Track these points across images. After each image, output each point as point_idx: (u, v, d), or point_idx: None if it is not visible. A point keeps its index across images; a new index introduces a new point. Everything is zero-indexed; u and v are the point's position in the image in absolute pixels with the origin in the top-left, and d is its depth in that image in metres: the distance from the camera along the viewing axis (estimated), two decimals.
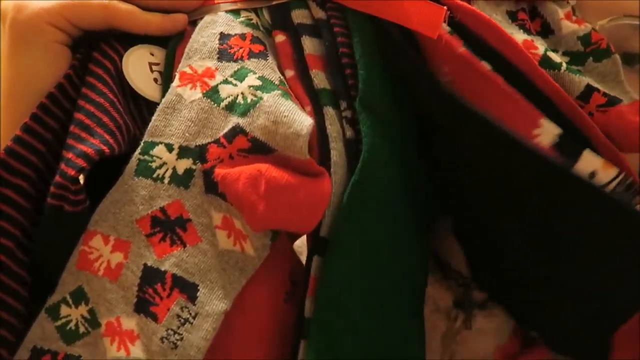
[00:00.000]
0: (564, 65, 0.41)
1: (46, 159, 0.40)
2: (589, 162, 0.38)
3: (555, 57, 0.41)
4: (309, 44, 0.41)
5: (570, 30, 0.43)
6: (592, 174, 0.38)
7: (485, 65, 0.39)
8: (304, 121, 0.37)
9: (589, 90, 0.41)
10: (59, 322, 0.37)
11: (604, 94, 0.41)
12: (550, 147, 0.38)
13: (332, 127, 0.40)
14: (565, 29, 0.43)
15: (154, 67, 0.43)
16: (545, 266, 0.41)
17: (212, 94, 0.40)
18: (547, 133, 0.38)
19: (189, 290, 0.37)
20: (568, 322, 0.43)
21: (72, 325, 0.37)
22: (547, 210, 0.39)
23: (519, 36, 0.42)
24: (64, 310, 0.38)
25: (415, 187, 0.42)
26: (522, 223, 0.41)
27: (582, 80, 0.41)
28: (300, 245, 0.45)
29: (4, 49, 0.42)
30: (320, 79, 0.41)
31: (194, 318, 0.36)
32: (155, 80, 0.43)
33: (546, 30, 0.43)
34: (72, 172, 0.37)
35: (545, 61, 0.41)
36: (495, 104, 0.38)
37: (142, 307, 0.37)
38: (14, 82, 0.41)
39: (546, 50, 0.41)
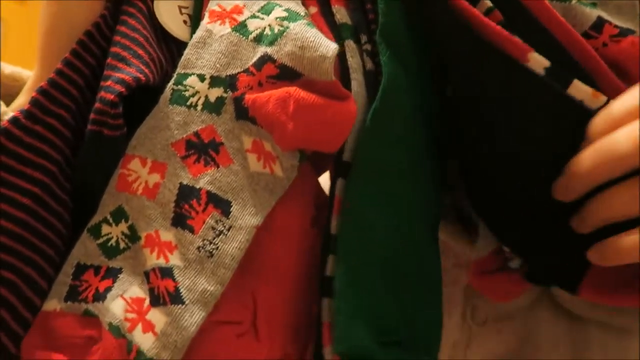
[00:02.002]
0: None
1: (84, 93, 0.42)
2: (577, 91, 0.38)
3: None
4: None
5: None
6: (581, 102, 0.39)
7: (486, 4, 0.40)
8: (329, 45, 0.39)
9: (601, 22, 0.42)
10: (100, 240, 0.40)
11: (616, 26, 0.42)
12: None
13: (353, 60, 0.42)
14: None
15: (183, 10, 0.46)
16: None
17: (240, 28, 0.42)
18: (535, 66, 0.39)
19: (222, 205, 0.39)
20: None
21: (112, 242, 0.39)
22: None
23: None
24: (105, 228, 0.40)
25: (431, 120, 0.44)
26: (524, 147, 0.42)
27: (593, 12, 0.42)
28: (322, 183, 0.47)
29: None
30: (342, 14, 0.43)
31: (228, 230, 0.38)
32: (185, 22, 0.46)
33: None
34: (110, 97, 0.39)
35: None
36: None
37: (179, 220, 0.39)
38: (51, 21, 0.44)
39: None
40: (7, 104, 0.46)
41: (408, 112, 0.42)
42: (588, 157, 0.38)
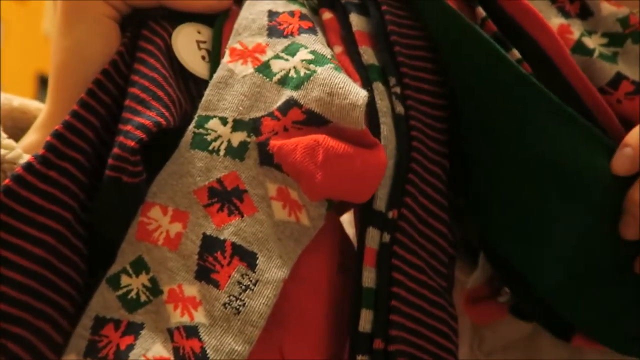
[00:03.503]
0: (597, 52, 0.43)
1: (100, 134, 0.41)
2: None
3: (589, 43, 0.43)
4: (357, 21, 0.42)
5: (609, 12, 0.44)
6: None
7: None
8: (359, 92, 0.38)
9: (619, 77, 0.42)
10: (120, 292, 0.38)
11: (633, 82, 0.42)
12: None
13: (382, 102, 0.41)
14: (604, 10, 0.44)
15: (201, 45, 0.44)
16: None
17: (263, 68, 0.41)
18: None
19: (248, 258, 0.37)
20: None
21: (133, 294, 0.38)
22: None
23: (556, 20, 0.43)
24: (125, 279, 0.38)
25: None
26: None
27: (613, 67, 0.42)
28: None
29: (57, 23, 0.43)
30: (369, 55, 0.42)
31: (254, 285, 0.37)
32: (203, 57, 0.44)
33: (585, 12, 0.45)
34: (131, 144, 0.37)
35: (579, 47, 0.43)
36: None
37: (203, 274, 0.37)
38: (65, 55, 0.42)
39: (582, 35, 0.43)
40: (15, 136, 0.44)
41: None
42: None
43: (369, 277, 0.39)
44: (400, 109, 0.41)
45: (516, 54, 0.41)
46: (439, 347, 0.40)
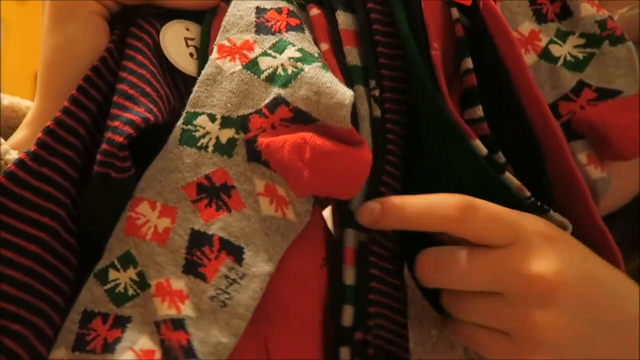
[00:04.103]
0: (562, 60, 0.44)
1: (90, 130, 0.41)
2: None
3: (556, 52, 0.44)
4: (343, 19, 0.43)
5: (589, 13, 0.45)
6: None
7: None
8: (346, 92, 0.39)
9: (581, 85, 0.44)
10: (107, 286, 0.39)
11: (597, 89, 0.44)
12: None
13: (362, 107, 0.41)
14: (584, 11, 0.45)
15: (189, 42, 0.45)
16: None
17: (251, 65, 0.41)
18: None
19: (235, 252, 0.38)
20: None
21: (120, 288, 0.38)
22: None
23: (528, 25, 0.44)
24: (112, 274, 0.39)
25: None
26: None
27: (575, 76, 0.44)
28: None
29: (45, 22, 0.43)
30: (353, 56, 0.42)
31: (241, 278, 0.38)
32: (191, 54, 0.44)
33: (565, 13, 0.46)
34: (119, 139, 0.38)
35: (545, 54, 0.44)
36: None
37: (191, 268, 0.38)
38: (54, 53, 0.42)
39: (550, 42, 0.44)
40: (6, 135, 0.44)
41: None
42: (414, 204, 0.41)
43: (349, 275, 0.40)
44: (377, 112, 0.41)
45: (468, 64, 0.42)
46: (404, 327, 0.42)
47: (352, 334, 0.40)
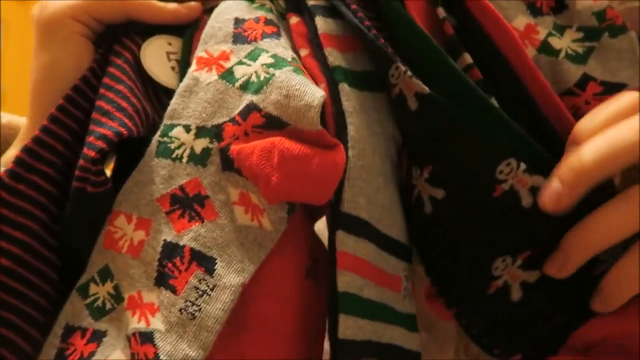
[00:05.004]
0: (563, 52, 0.41)
1: (72, 147, 0.42)
2: None
3: (556, 44, 0.41)
4: (322, 24, 0.42)
5: (585, 5, 0.42)
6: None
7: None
8: (315, 93, 0.37)
9: (586, 79, 0.41)
10: (88, 300, 0.39)
11: (602, 82, 0.40)
12: None
13: (348, 103, 0.40)
14: (580, 4, 0.42)
15: (171, 56, 0.45)
16: None
17: (227, 75, 0.41)
18: None
19: (207, 263, 0.37)
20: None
21: (99, 302, 0.38)
22: None
23: (523, 19, 0.42)
24: (93, 288, 0.39)
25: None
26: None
27: (579, 68, 0.41)
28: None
29: (34, 43, 0.44)
30: (334, 57, 0.41)
31: (211, 290, 0.37)
32: (173, 68, 0.45)
33: (560, 6, 0.43)
34: (92, 154, 0.38)
35: (545, 47, 0.41)
36: None
37: (162, 280, 0.37)
38: (40, 73, 0.43)
39: (548, 35, 0.41)
40: (4, 152, 0.46)
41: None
42: (591, 151, 0.35)
43: (344, 281, 0.37)
44: None
45: (467, 59, 0.40)
46: None
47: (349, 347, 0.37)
